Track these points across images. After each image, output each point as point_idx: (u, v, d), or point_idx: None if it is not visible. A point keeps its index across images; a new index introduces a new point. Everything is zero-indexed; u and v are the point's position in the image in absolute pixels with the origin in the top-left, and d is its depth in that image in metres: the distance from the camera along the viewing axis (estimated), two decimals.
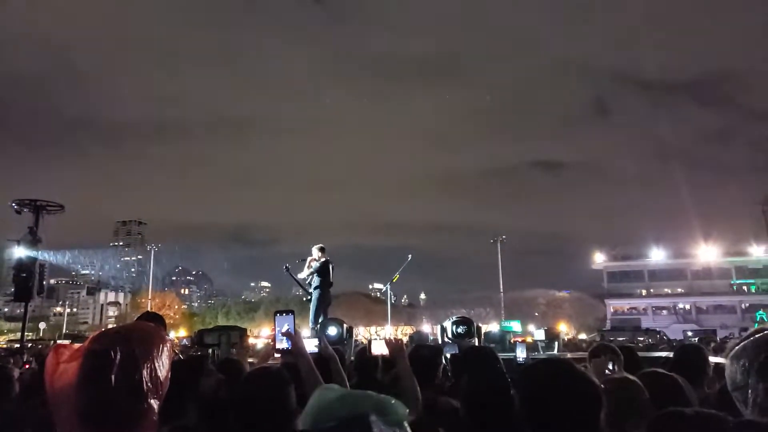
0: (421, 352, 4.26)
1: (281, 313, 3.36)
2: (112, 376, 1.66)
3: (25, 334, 28.95)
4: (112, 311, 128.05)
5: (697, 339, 23.11)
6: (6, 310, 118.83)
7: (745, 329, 2.52)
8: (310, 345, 4.42)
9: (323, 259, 12.49)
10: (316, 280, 12.39)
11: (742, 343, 1.89)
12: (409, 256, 15.64)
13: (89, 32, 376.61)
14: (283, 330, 3.20)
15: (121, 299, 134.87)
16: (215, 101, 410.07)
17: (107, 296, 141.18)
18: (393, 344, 3.66)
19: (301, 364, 3.07)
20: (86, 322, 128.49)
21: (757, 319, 64.21)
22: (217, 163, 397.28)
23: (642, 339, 37.03)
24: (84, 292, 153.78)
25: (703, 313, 75.42)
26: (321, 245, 12.74)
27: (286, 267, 12.83)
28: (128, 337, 1.75)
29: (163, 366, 1.78)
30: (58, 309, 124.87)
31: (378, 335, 48.05)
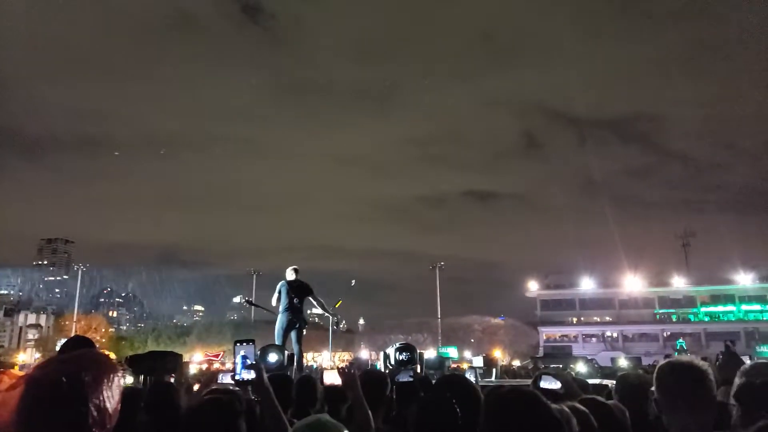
0: (370, 379, 4.22)
1: (242, 342, 3.26)
2: (57, 407, 1.57)
3: None
4: (31, 334, 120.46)
5: (630, 366, 23.90)
6: None
7: (668, 356, 2.74)
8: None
9: (286, 281, 12.14)
10: (280, 304, 12.03)
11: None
12: (353, 281, 15.63)
13: (11, 39, 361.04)
14: (248, 360, 3.11)
15: (42, 321, 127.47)
16: (145, 118, 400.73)
17: (27, 318, 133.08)
18: (346, 374, 3.60)
19: (263, 398, 2.98)
20: (2, 346, 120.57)
21: (677, 347, 67.44)
22: (147, 182, 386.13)
23: (572, 366, 37.96)
24: (1, 314, 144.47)
25: (629, 341, 78.47)
26: (295, 267, 12.35)
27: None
28: (76, 366, 1.66)
29: (112, 397, 1.70)
30: None
31: (315, 361, 47.31)
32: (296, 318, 12.03)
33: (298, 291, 12.08)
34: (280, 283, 12.21)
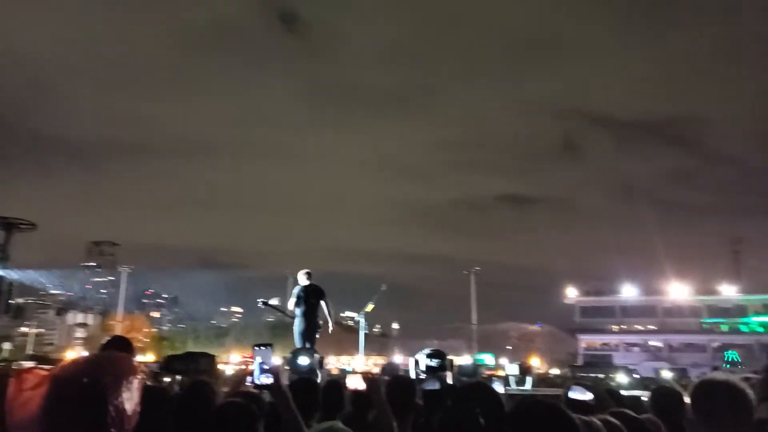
0: (398, 384, 4.21)
1: (261, 346, 3.28)
2: (77, 406, 1.62)
3: None
4: (80, 333, 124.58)
5: (674, 378, 23.19)
6: None
7: (717, 368, 2.66)
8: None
9: (301, 285, 12.31)
10: (297, 308, 12.17)
11: None
12: (383, 286, 15.60)
13: (63, 50, 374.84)
14: (265, 365, 3.12)
15: (90, 320, 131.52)
16: (187, 125, 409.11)
17: (76, 317, 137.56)
18: (370, 380, 3.61)
19: (280, 402, 3.00)
20: (52, 344, 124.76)
21: (727, 359, 65.09)
22: (188, 186, 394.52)
23: (612, 376, 37.02)
24: (52, 313, 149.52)
25: (675, 351, 75.87)
26: (307, 270, 12.54)
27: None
28: (97, 367, 1.72)
29: (131, 398, 1.74)
30: (25, 329, 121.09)
31: (349, 365, 47.43)
32: (313, 322, 12.22)
33: (314, 295, 12.25)
34: (297, 288, 12.38)
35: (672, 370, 48.44)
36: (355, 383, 4.13)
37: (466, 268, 67.68)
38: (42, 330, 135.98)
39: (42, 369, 1.81)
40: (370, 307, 14.77)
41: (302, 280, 12.37)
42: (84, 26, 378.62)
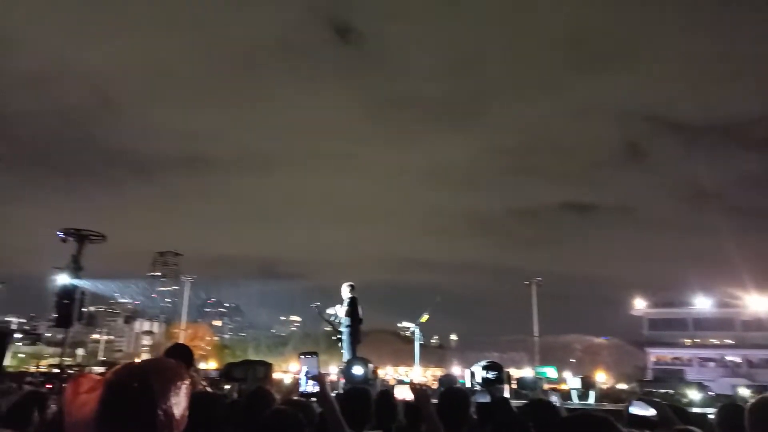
0: (451, 396, 4.15)
1: (305, 354, 3.32)
2: (128, 410, 1.68)
3: (64, 359, 29.51)
4: (146, 340, 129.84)
5: (752, 395, 21.91)
6: (48, 335, 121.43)
7: None
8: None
9: (351, 297, 12.52)
10: (346, 319, 12.38)
11: None
12: (438, 299, 15.48)
13: (129, 70, 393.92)
14: (310, 374, 3.15)
15: (155, 328, 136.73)
16: (246, 138, 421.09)
17: (142, 325, 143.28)
18: (418, 390, 3.56)
19: (326, 410, 3.02)
20: (121, 350, 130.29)
21: None
22: (249, 197, 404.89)
23: (682, 392, 35.24)
24: (121, 321, 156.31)
25: (755, 367, 71.26)
26: (351, 283, 12.76)
27: (316, 306, 12.87)
28: (147, 372, 1.78)
29: (179, 404, 1.80)
30: (96, 336, 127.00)
31: (407, 375, 47.30)
32: (356, 333, 12.45)
33: (355, 307, 12.49)
34: (354, 296, 12.57)
35: (750, 387, 45.79)
36: (403, 394, 4.10)
37: (527, 278, 66.26)
38: (112, 337, 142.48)
39: (96, 373, 1.89)
40: (425, 317, 14.69)
41: (345, 293, 12.54)
42: (147, 47, 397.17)
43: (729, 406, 4.49)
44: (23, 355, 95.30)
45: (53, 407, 5.07)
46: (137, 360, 2.09)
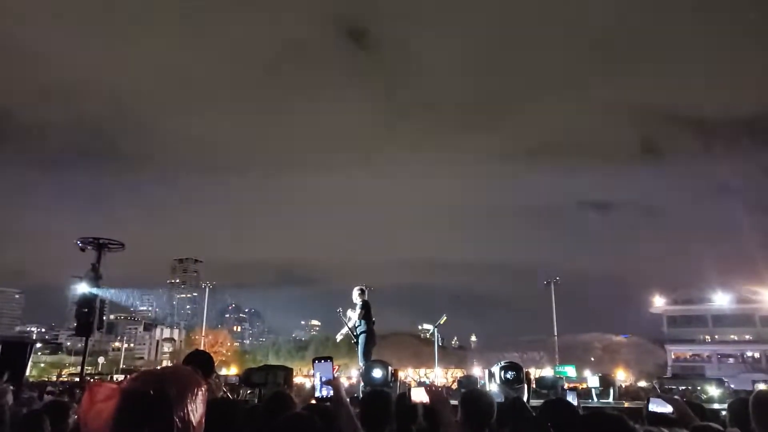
0: (475, 399, 4.11)
1: (320, 359, 3.33)
2: (144, 419, 1.68)
3: (85, 368, 29.82)
4: (167, 347, 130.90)
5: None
6: (68, 344, 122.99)
7: None
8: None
9: (363, 300, 12.55)
10: (361, 322, 12.41)
11: None
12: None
13: (146, 77, 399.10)
14: (324, 378, 3.16)
15: (176, 336, 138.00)
16: (265, 143, 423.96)
17: (162, 332, 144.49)
18: (434, 392, 3.54)
19: (340, 414, 3.01)
20: (142, 358, 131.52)
21: None
22: (267, 203, 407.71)
23: (701, 389, 34.85)
24: (141, 328, 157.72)
25: None
26: (361, 287, 12.81)
27: (339, 310, 12.92)
28: (163, 379, 1.78)
29: (196, 410, 1.79)
30: (116, 344, 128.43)
31: (427, 377, 47.20)
32: (370, 337, 12.45)
33: (368, 311, 12.50)
34: (366, 300, 12.62)
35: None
36: (419, 396, 4.07)
37: (546, 278, 65.88)
38: (132, 345, 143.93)
39: (112, 382, 1.89)
40: (443, 319, 14.68)
41: (356, 297, 12.61)
42: (165, 54, 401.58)
43: (738, 401, 4.44)
44: (44, 365, 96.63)
45: (74, 417, 5.09)
46: (153, 367, 2.09)
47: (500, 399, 4.63)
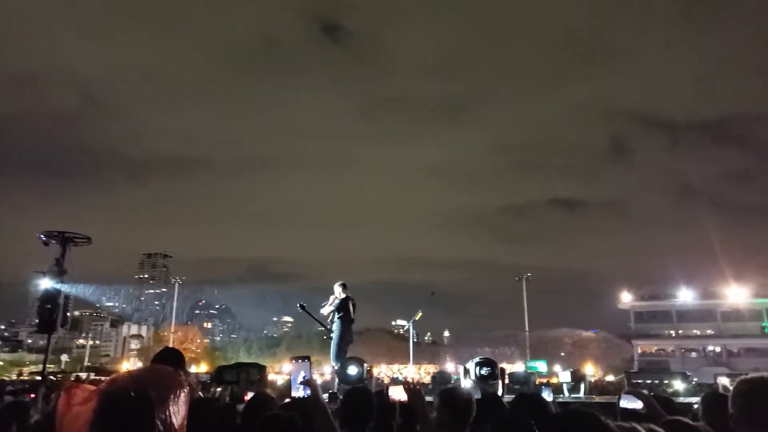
0: (455, 397, 4.09)
1: (297, 359, 3.30)
2: (125, 421, 1.61)
3: (47, 366, 29.00)
4: (134, 344, 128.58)
5: (730, 383, 22.28)
6: (29, 341, 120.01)
7: None
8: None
9: (343, 296, 12.41)
10: (336, 318, 12.29)
11: None
12: (432, 293, 15.43)
13: (116, 70, 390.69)
14: (300, 378, 3.13)
15: (144, 332, 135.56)
16: (237, 139, 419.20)
17: (130, 329, 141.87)
18: (411, 390, 3.52)
19: (317, 414, 2.98)
20: (108, 355, 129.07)
21: None
22: (239, 198, 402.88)
23: (667, 382, 35.76)
24: (107, 325, 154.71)
25: (735, 357, 72.76)
26: (342, 282, 12.66)
27: (300, 305, 12.73)
28: (144, 381, 1.71)
29: (178, 412, 1.73)
30: (81, 341, 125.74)
31: (401, 373, 47.29)
32: (351, 332, 12.47)
33: (349, 306, 12.41)
34: (347, 296, 12.44)
35: (731, 375, 46.47)
36: (397, 393, 4.05)
37: (517, 274, 66.60)
38: (98, 342, 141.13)
39: (91, 384, 1.81)
40: (419, 315, 14.69)
41: (338, 292, 12.42)
42: (135, 47, 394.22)
43: (711, 394, 4.53)
44: (2, 363, 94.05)
45: (36, 417, 4.92)
46: (133, 368, 2.00)
47: (478, 395, 4.63)
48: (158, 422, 1.66)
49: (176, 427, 1.72)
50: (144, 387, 1.68)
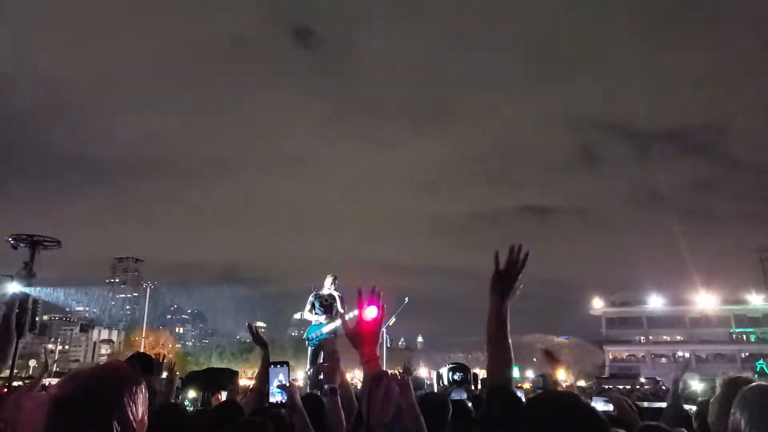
0: (430, 402, 4.06)
1: (275, 364, 3.26)
2: (79, 424, 1.54)
3: (14, 372, 28.30)
4: (105, 349, 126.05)
5: (705, 389, 22.67)
6: None
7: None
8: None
9: (323, 293, 11.75)
10: (334, 322, 11.62)
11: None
12: (406, 299, 15.29)
13: (81, 70, 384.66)
14: (277, 383, 3.09)
15: (114, 337, 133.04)
16: (207, 141, 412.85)
17: (100, 334, 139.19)
18: (400, 381, 3.48)
19: (295, 419, 2.93)
20: (78, 360, 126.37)
21: (758, 369, 63.36)
22: (210, 202, 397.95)
23: (638, 387, 36.28)
24: (77, 329, 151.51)
25: (703, 362, 74.12)
26: (334, 274, 11.75)
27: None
28: (96, 380, 1.63)
29: (136, 410, 1.65)
30: (50, 346, 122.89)
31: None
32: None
33: (333, 303, 11.41)
34: (313, 296, 11.56)
35: (702, 381, 47.30)
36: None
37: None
38: (67, 347, 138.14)
39: (40, 389, 1.74)
40: (392, 320, 14.62)
41: (332, 288, 11.57)
42: (101, 46, 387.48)
43: (706, 402, 4.57)
44: None
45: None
46: (84, 367, 1.87)
47: (462, 396, 4.62)
48: (114, 422, 1.59)
49: (134, 425, 1.65)
50: (96, 386, 1.60)
